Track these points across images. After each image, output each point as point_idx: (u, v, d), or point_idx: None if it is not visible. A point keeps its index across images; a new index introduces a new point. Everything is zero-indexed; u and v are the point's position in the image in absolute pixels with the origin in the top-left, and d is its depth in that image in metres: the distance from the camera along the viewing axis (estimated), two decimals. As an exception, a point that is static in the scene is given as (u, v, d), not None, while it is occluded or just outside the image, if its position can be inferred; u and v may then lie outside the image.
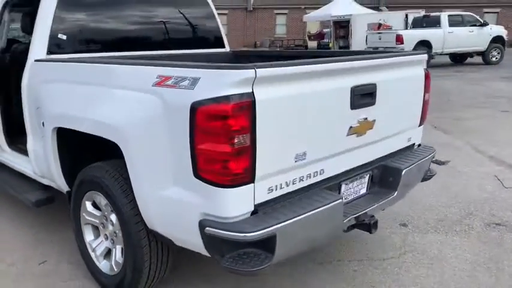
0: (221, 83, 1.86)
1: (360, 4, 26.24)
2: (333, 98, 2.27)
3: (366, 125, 2.48)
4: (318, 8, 27.21)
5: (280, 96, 2.00)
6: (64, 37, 3.19)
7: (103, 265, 2.74)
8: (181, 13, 4.00)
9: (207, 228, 1.94)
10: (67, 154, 2.86)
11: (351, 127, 2.38)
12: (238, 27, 36.31)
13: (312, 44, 29.38)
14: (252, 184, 1.96)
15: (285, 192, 2.14)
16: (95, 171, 2.58)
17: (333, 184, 2.42)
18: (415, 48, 15.68)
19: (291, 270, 2.98)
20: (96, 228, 2.79)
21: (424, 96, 3.02)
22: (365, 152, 2.60)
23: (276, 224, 1.95)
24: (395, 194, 2.73)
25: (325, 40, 26.38)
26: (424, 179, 3.19)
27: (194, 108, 1.89)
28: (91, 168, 2.63)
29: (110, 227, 2.63)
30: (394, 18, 21.28)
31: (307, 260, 3.11)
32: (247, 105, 1.85)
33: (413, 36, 17.05)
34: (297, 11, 34.12)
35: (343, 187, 2.52)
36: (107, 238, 2.71)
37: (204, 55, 3.93)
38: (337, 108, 2.29)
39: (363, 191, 2.70)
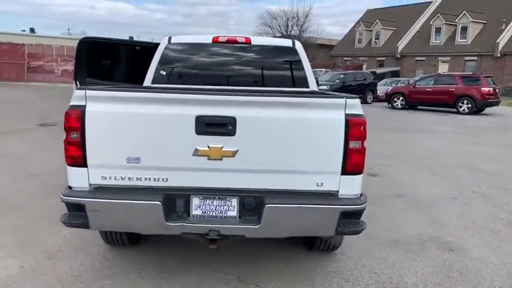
0: (74, 97, 2.87)
1: None
2: (173, 121, 2.80)
3: (219, 152, 2.82)
4: None
5: (113, 111, 2.78)
6: (164, 73, 4.72)
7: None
8: (268, 60, 4.83)
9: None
10: None
11: (196, 149, 2.81)
12: (486, 72, 34.15)
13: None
14: (86, 168, 2.84)
15: (121, 184, 2.85)
16: None
17: (179, 194, 2.90)
18: None
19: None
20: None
21: (346, 143, 2.87)
22: (226, 178, 2.89)
23: (84, 198, 2.79)
24: (257, 227, 2.85)
25: None
26: (343, 233, 2.95)
27: None
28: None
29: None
30: None
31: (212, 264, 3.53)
32: (79, 113, 2.78)
33: None
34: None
35: (196, 201, 2.92)
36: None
37: (284, 92, 4.60)
38: (178, 130, 2.80)
39: (232, 213, 2.95)
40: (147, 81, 4.66)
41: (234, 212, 2.96)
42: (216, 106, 2.82)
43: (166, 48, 4.68)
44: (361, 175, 2.99)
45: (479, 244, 4.27)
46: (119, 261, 3.64)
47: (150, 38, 75.76)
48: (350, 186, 2.96)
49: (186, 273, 3.47)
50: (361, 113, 2.91)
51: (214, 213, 2.96)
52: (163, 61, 4.68)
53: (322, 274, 3.54)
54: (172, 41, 4.71)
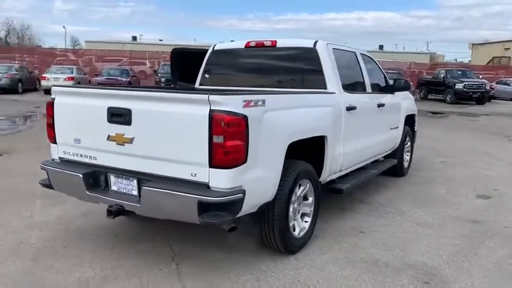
0: (52, 92, 3.87)
1: None
2: (95, 111, 3.51)
3: (122, 138, 3.38)
4: None
5: (67, 102, 3.71)
6: (207, 76, 5.41)
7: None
8: (291, 61, 4.91)
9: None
10: None
11: (109, 135, 3.44)
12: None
13: None
14: (56, 145, 3.85)
15: (75, 158, 3.74)
16: None
17: (101, 170, 3.59)
18: None
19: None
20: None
21: (211, 138, 2.99)
22: (129, 161, 3.40)
23: (46, 166, 3.79)
24: (139, 205, 3.29)
25: None
26: (206, 223, 3.02)
27: None
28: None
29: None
30: None
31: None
32: (51, 104, 3.80)
33: None
34: None
35: (113, 178, 3.54)
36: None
37: (304, 92, 4.68)
38: (98, 119, 3.48)
39: (135, 192, 3.43)
40: (197, 84, 5.41)
41: (135, 191, 3.45)
42: (119, 99, 3.41)
43: (210, 55, 5.34)
44: (232, 170, 3.05)
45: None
46: (116, 226, 4.53)
47: (415, 47, 71.51)
48: (219, 179, 3.05)
49: (146, 242, 4.09)
50: (231, 110, 3.00)
51: (124, 190, 3.53)
52: (208, 66, 5.36)
53: (244, 270, 3.55)
54: (215, 49, 5.34)
